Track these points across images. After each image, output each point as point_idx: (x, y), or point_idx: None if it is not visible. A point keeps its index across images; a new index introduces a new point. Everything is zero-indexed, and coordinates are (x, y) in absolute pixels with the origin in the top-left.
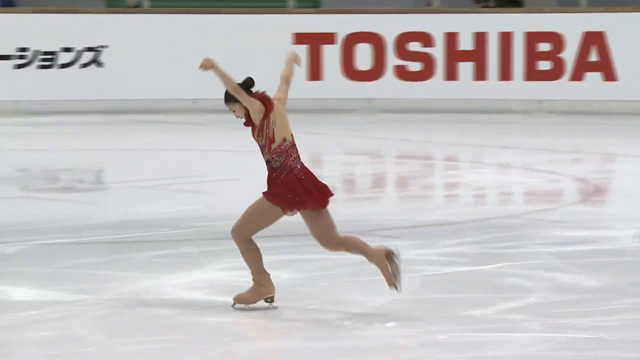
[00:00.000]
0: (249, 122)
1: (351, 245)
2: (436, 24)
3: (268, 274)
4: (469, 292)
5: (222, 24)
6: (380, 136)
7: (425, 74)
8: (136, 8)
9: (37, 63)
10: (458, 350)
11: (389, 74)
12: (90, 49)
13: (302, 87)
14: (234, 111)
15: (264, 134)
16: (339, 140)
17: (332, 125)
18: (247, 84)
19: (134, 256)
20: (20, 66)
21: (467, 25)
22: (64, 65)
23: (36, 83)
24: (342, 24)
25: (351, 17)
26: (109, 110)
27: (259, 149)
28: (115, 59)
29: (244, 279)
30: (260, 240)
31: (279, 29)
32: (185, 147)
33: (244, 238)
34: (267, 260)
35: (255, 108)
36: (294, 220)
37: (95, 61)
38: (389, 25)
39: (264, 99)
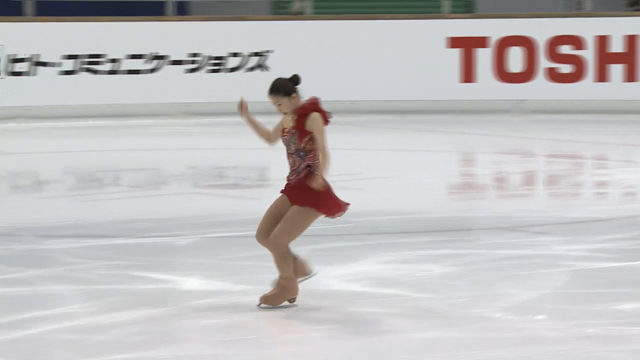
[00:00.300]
0: (302, 130)
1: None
2: (587, 27)
3: (295, 279)
4: (618, 287)
5: (379, 28)
6: (531, 136)
7: (576, 76)
8: (300, 15)
9: (206, 68)
10: (610, 344)
11: (540, 76)
12: (256, 54)
13: (455, 89)
14: (279, 104)
15: (312, 141)
16: (491, 140)
17: (484, 125)
18: (295, 81)
19: (295, 249)
20: (191, 70)
21: (618, 28)
22: (231, 70)
23: (206, 86)
24: (495, 28)
25: (504, 21)
26: (272, 112)
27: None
28: (280, 62)
29: (400, 272)
30: (412, 235)
31: (434, 33)
32: (342, 147)
33: (285, 248)
34: (419, 254)
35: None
36: (445, 215)
37: (260, 65)
38: (541, 29)
39: (324, 115)
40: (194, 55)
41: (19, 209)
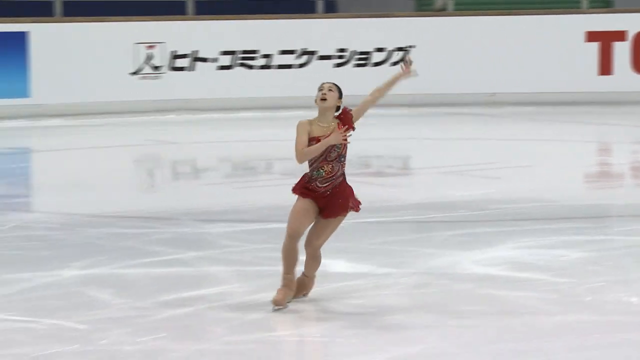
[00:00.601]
0: (350, 124)
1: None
2: None
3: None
4: None
5: (518, 24)
6: None
7: None
8: (442, 11)
9: (353, 62)
10: None
11: None
12: (400, 49)
13: (593, 82)
14: (330, 91)
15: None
16: (628, 130)
17: (622, 117)
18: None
19: (437, 235)
20: (338, 65)
21: None
22: (376, 64)
23: (352, 80)
24: (632, 23)
25: None
26: (414, 103)
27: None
28: (422, 57)
29: (538, 257)
30: (549, 222)
31: (572, 28)
32: (482, 137)
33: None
34: (556, 240)
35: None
36: (582, 203)
37: (404, 60)
38: None
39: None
40: (341, 50)
41: (179, 195)
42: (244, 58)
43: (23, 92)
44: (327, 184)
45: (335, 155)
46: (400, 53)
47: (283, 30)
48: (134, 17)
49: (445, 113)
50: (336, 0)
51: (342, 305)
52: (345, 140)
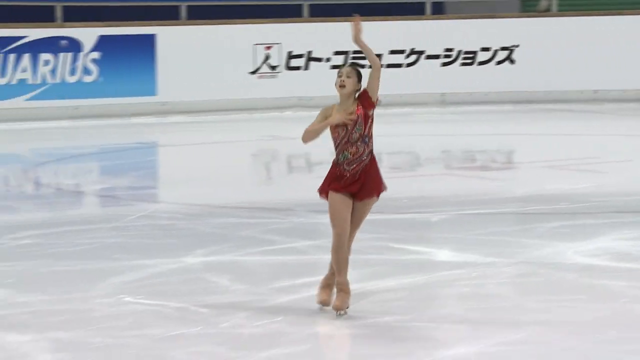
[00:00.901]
0: (366, 115)
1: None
2: None
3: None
4: None
5: (620, 23)
6: None
7: None
8: (546, 12)
9: (460, 61)
10: None
11: None
12: (504, 48)
13: None
14: (348, 77)
15: (372, 125)
16: None
17: None
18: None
19: (539, 226)
20: (445, 64)
21: None
22: (481, 63)
23: (459, 78)
24: None
25: None
26: (518, 100)
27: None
28: (526, 56)
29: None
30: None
31: None
32: (585, 132)
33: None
34: None
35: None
36: None
37: (508, 58)
38: None
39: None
40: (449, 50)
41: (294, 188)
42: (355, 57)
43: (151, 91)
44: (354, 165)
45: (358, 136)
46: (505, 52)
47: (393, 31)
48: (253, 20)
49: (549, 110)
50: (444, 3)
51: (448, 293)
52: (349, 121)
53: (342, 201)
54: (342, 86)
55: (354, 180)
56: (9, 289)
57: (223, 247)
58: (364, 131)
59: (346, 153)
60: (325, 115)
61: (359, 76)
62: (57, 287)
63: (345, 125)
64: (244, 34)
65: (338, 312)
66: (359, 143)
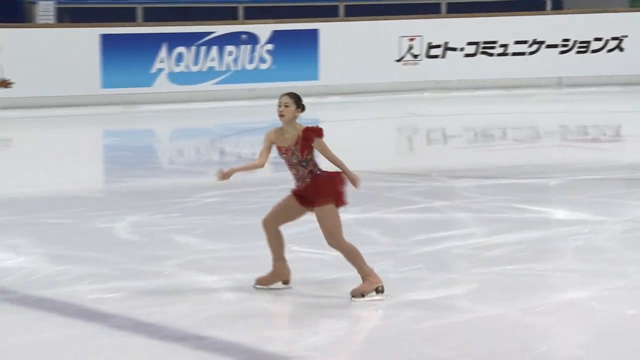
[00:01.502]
0: (304, 147)
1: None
2: None
3: (369, 269)
4: None
5: None
6: None
7: None
8: None
9: (575, 49)
10: None
11: None
12: (614, 38)
13: None
14: (286, 107)
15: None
16: None
17: None
18: (303, 107)
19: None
20: (562, 52)
21: None
22: (594, 51)
23: (574, 64)
24: None
25: None
26: (627, 83)
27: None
28: (633, 45)
29: None
30: None
31: None
32: None
33: (347, 245)
34: None
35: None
36: None
37: (618, 47)
38: None
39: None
40: (566, 40)
41: (432, 157)
42: (485, 47)
43: (314, 76)
44: (299, 183)
45: (296, 161)
46: (615, 42)
47: (518, 24)
48: (399, 16)
49: None
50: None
51: (563, 246)
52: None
53: (286, 199)
54: (281, 115)
55: (304, 194)
56: (200, 238)
57: (373, 205)
58: (301, 158)
59: (291, 173)
60: (269, 139)
61: (297, 102)
62: (238, 237)
63: (287, 152)
64: (392, 28)
65: (352, 298)
66: (298, 166)
